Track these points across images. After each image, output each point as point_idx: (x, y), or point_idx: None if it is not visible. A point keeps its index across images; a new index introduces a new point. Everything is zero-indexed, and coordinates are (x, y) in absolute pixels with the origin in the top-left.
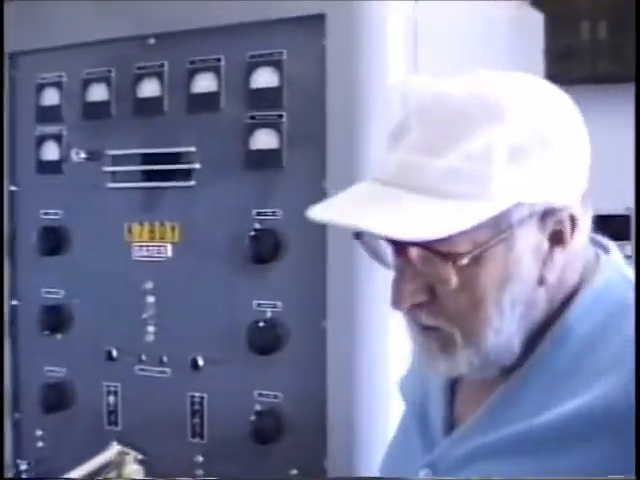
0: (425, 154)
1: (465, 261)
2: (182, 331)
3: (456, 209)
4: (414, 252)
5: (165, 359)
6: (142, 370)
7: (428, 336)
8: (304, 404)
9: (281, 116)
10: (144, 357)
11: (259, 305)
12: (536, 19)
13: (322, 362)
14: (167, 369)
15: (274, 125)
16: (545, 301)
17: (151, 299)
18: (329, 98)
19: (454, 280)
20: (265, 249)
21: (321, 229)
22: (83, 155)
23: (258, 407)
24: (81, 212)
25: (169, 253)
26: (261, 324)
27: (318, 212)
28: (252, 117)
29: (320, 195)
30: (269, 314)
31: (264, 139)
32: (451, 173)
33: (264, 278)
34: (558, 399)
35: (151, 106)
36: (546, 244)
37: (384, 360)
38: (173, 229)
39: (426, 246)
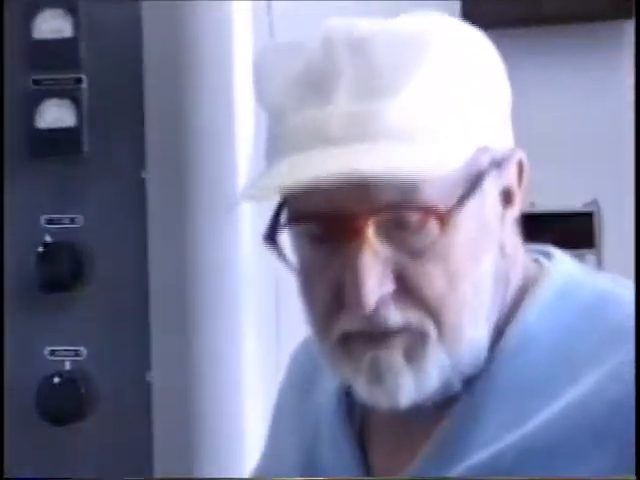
0: (371, 98)
1: (449, 217)
2: None
3: (438, 147)
4: (382, 218)
5: None
6: None
7: (391, 345)
8: None
9: (79, 81)
10: None
11: (53, 353)
12: None
13: (147, 431)
14: None
15: (69, 94)
16: (504, 279)
17: None
18: (148, 56)
19: (431, 248)
20: (60, 272)
21: (140, 241)
22: None
23: None
24: None
25: None
26: (56, 380)
27: (266, 183)
28: (37, 82)
29: (137, 190)
30: (68, 365)
31: (55, 114)
32: (411, 112)
33: (60, 314)
34: (528, 412)
35: None
36: (499, 203)
37: (236, 428)
38: None
39: (402, 205)
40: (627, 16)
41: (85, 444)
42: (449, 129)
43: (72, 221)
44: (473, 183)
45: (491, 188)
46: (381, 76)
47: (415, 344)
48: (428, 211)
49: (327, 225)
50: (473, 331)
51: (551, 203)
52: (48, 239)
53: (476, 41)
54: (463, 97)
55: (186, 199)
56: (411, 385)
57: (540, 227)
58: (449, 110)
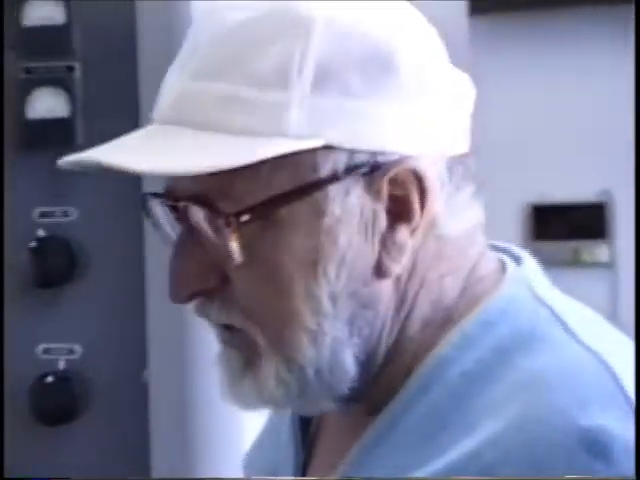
0: (204, 80)
1: (245, 218)
2: None
3: (236, 143)
4: (195, 214)
5: None
6: None
7: (229, 343)
8: None
9: (71, 69)
10: None
11: (46, 351)
12: None
13: (143, 431)
14: None
15: (61, 82)
16: (394, 305)
17: None
18: (142, 43)
19: (236, 252)
20: (53, 267)
21: (136, 235)
22: None
23: None
24: None
25: None
26: (50, 379)
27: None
28: (28, 70)
29: (133, 184)
30: (62, 364)
31: (47, 103)
32: (232, 100)
33: (53, 310)
34: (421, 458)
35: None
36: (383, 217)
37: (234, 427)
38: None
39: (208, 203)
40: None
41: (80, 444)
42: (270, 123)
43: (66, 214)
44: (302, 186)
45: (347, 196)
46: (224, 57)
47: (250, 348)
48: (226, 214)
49: (167, 207)
50: (316, 347)
51: (563, 194)
52: (41, 233)
53: (397, 14)
54: (328, 82)
55: None
56: (251, 393)
57: (552, 218)
58: (287, 100)
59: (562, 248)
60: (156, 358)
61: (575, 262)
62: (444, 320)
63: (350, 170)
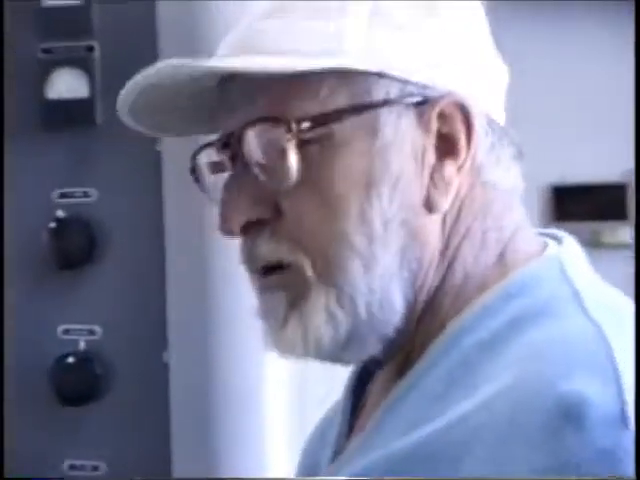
0: (271, 18)
1: (306, 125)
2: None
3: (304, 59)
4: (251, 140)
5: None
6: None
7: (274, 285)
8: None
9: (91, 49)
10: None
11: (67, 332)
12: None
13: (164, 413)
14: None
15: (81, 62)
16: (440, 247)
17: None
18: (162, 21)
19: (294, 168)
20: (73, 247)
21: (156, 215)
22: None
23: None
24: None
25: None
26: (71, 360)
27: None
28: (47, 51)
29: (153, 163)
30: (82, 345)
31: (67, 83)
32: (295, 31)
33: (73, 291)
34: (428, 418)
35: None
36: (432, 151)
37: (254, 409)
38: None
39: (268, 119)
40: None
41: (100, 425)
42: (330, 48)
43: (85, 195)
44: (359, 105)
45: (399, 123)
46: None
47: (296, 284)
48: (285, 122)
49: (217, 149)
50: (368, 276)
51: (585, 175)
52: (61, 214)
53: None
54: (384, 14)
55: None
56: (297, 333)
57: (573, 199)
58: (345, 29)
59: (583, 229)
60: (176, 339)
61: (596, 243)
62: (477, 286)
63: (401, 98)
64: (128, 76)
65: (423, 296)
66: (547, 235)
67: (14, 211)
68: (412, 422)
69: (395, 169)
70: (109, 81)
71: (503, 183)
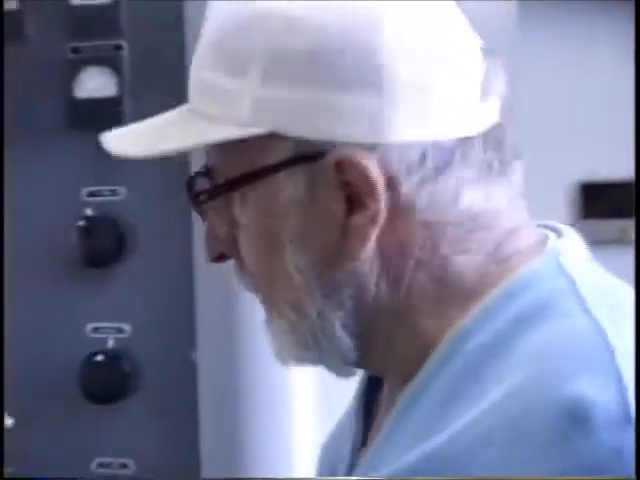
0: (195, 68)
1: (203, 197)
2: None
3: (200, 128)
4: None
5: None
6: None
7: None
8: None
9: (119, 48)
10: None
11: (96, 330)
12: None
13: (192, 412)
14: None
15: (109, 61)
16: (385, 283)
17: None
18: (190, 21)
19: (236, 225)
20: (102, 246)
21: (184, 213)
22: None
23: None
24: None
25: None
26: (99, 358)
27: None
28: (75, 50)
29: (180, 164)
30: (111, 343)
31: (96, 82)
32: (201, 87)
33: (102, 289)
34: (434, 428)
35: None
36: (339, 204)
37: (282, 407)
38: None
39: (207, 175)
40: None
41: (128, 423)
42: (228, 111)
43: (114, 193)
44: (259, 170)
45: (305, 181)
46: (206, 45)
47: (264, 309)
48: (212, 178)
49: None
50: (301, 316)
51: (614, 172)
52: (89, 212)
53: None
54: (280, 72)
55: None
56: (274, 347)
57: (600, 196)
58: (241, 89)
59: (611, 227)
60: (205, 337)
61: (624, 241)
62: (465, 295)
63: (297, 158)
64: (156, 75)
65: (383, 323)
66: (548, 227)
67: (43, 209)
68: (417, 436)
69: (298, 227)
70: (137, 80)
71: (457, 214)
